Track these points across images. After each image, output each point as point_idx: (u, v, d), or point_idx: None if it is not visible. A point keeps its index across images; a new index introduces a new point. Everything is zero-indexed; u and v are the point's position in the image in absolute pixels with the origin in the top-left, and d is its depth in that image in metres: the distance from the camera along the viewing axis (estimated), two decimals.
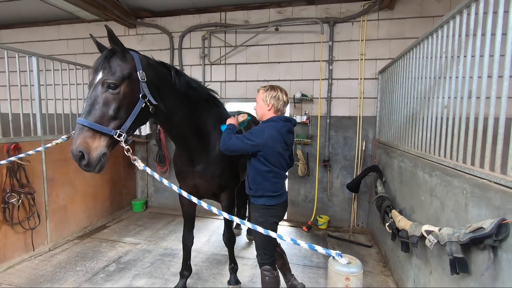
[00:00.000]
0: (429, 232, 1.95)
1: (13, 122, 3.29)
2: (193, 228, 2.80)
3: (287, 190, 2.57)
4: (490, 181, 1.47)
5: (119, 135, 1.60)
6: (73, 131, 1.66)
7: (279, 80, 4.74)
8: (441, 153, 2.10)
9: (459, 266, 1.60)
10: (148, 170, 1.55)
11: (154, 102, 1.77)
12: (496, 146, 1.48)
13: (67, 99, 3.97)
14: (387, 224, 2.89)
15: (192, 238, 2.77)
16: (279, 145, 2.09)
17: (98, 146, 1.55)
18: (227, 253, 3.62)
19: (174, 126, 2.16)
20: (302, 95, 4.51)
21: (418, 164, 2.46)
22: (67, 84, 3.97)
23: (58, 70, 3.84)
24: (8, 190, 3.12)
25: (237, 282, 2.84)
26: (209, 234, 4.26)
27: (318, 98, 4.56)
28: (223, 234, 2.84)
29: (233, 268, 2.86)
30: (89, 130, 1.54)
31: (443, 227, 1.84)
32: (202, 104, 2.30)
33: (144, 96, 1.73)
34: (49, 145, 1.78)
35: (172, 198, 5.37)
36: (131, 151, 1.59)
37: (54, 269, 3.22)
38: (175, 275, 3.14)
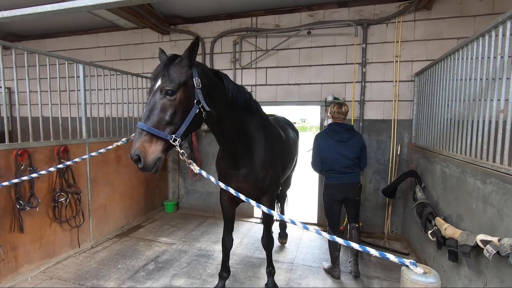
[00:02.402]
0: (486, 242, 1.87)
1: (57, 125, 3.48)
2: (233, 230, 2.85)
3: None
4: None
5: (174, 140, 1.66)
6: (133, 134, 1.74)
7: (310, 84, 4.72)
8: (496, 159, 2.01)
9: None
10: (204, 173, 1.60)
11: (207, 108, 1.83)
12: None
13: (108, 103, 4.18)
14: (429, 231, 2.79)
15: (232, 240, 2.82)
16: None
17: (155, 150, 1.62)
18: (260, 255, 3.68)
19: (222, 130, 2.21)
20: (334, 98, 4.46)
21: (467, 170, 2.36)
22: (108, 89, 4.18)
23: (101, 76, 4.05)
24: (57, 190, 3.33)
25: (275, 285, 2.85)
26: (240, 237, 4.30)
27: (350, 101, 4.49)
28: (262, 237, 2.87)
29: (271, 272, 2.87)
30: (147, 134, 1.62)
31: (503, 237, 1.76)
32: (246, 109, 2.35)
33: (198, 102, 1.79)
34: (110, 147, 1.88)
35: (201, 200, 5.49)
36: (186, 155, 1.65)
37: (98, 266, 3.38)
38: (212, 276, 3.20)
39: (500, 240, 1.74)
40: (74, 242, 3.62)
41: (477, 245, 1.98)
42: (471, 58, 2.45)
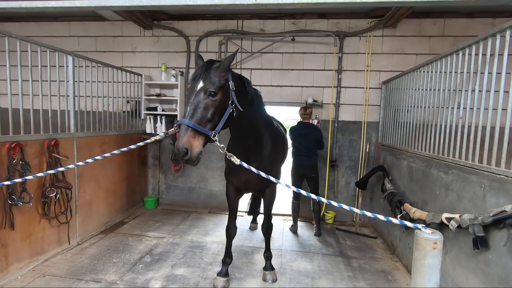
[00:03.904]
0: (449, 219, 2.41)
1: (44, 118, 3.31)
2: (236, 219, 3.09)
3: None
4: (508, 176, 1.93)
5: (214, 135, 1.88)
6: (170, 129, 1.96)
7: (291, 86, 5.12)
8: (455, 155, 2.57)
9: (480, 243, 2.06)
10: (245, 165, 1.83)
11: (241, 108, 2.06)
12: None
13: (95, 96, 4.07)
14: (399, 216, 3.37)
15: (236, 228, 3.06)
16: None
17: (198, 144, 1.84)
18: (250, 244, 3.98)
19: (241, 128, 2.44)
20: (314, 100, 4.93)
21: (432, 164, 2.93)
22: (95, 82, 4.08)
23: (89, 67, 3.94)
24: (48, 185, 3.21)
25: (272, 268, 3.16)
26: None
27: (327, 103, 5.00)
28: (262, 225, 3.16)
29: (268, 256, 3.17)
30: (192, 130, 1.82)
31: (462, 214, 2.30)
32: (258, 110, 2.61)
33: (232, 103, 2.02)
34: (148, 140, 2.01)
35: (183, 196, 5.56)
36: (225, 148, 1.87)
37: (91, 261, 3.35)
38: (210, 264, 3.40)
39: (461, 216, 2.28)
40: (62, 239, 3.51)
41: (442, 222, 2.52)
42: (436, 72, 3.04)
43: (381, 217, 1.55)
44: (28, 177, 1.99)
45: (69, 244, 3.55)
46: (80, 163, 2.06)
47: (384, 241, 4.26)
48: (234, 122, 2.38)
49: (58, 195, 3.32)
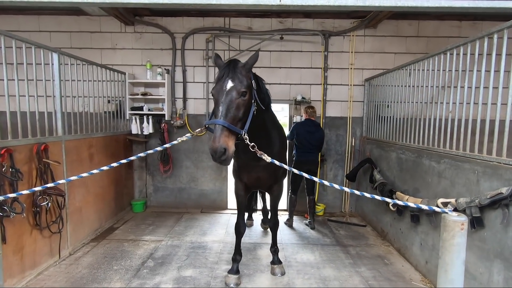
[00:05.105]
0: (445, 203, 2.67)
1: (31, 120, 3.07)
2: (245, 216, 3.12)
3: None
4: (500, 163, 2.19)
5: (244, 134, 1.90)
6: (197, 130, 1.94)
7: (280, 84, 5.22)
8: (446, 146, 2.85)
9: (477, 222, 2.32)
10: (277, 162, 1.86)
11: (262, 107, 2.10)
12: (503, 139, 2.21)
13: (81, 96, 3.83)
14: (390, 204, 3.63)
15: (245, 226, 3.09)
16: None
17: (232, 144, 1.86)
18: (250, 241, 4.05)
19: (254, 126, 2.46)
20: (302, 97, 5.07)
21: (423, 154, 3.21)
22: (80, 81, 3.83)
23: (74, 65, 3.68)
24: (39, 193, 2.98)
25: (280, 261, 3.24)
26: (224, 227, 4.52)
27: (315, 100, 5.18)
28: (270, 220, 3.22)
29: (275, 250, 3.25)
30: (227, 130, 1.82)
31: (457, 198, 2.56)
32: (267, 108, 2.66)
33: (255, 101, 2.05)
34: (174, 142, 1.95)
35: (173, 197, 5.44)
36: (256, 146, 1.90)
37: (90, 271, 3.17)
38: (216, 263, 3.40)
39: (457, 200, 2.55)
40: (54, 250, 3.27)
41: (437, 207, 2.78)
42: (423, 70, 3.31)
43: (411, 204, 1.69)
44: (23, 192, 1.80)
45: (60, 255, 3.32)
46: (73, 178, 1.88)
47: (373, 228, 4.55)
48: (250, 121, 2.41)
49: (49, 204, 3.10)
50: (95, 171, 1.94)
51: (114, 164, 1.99)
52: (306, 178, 4.45)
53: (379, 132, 4.56)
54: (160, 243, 3.90)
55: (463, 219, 1.56)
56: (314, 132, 4.43)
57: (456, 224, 1.56)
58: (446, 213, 1.60)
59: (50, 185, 1.95)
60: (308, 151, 4.45)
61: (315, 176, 4.60)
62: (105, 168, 1.94)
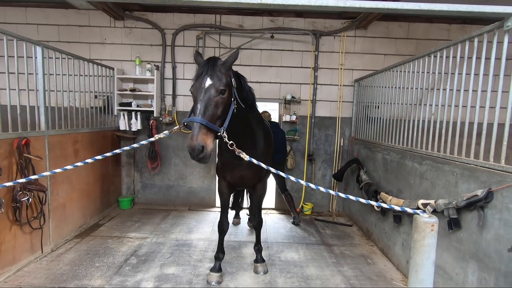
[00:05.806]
0: (425, 204, 2.70)
1: (12, 114, 3.02)
2: (228, 214, 3.11)
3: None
4: (477, 165, 2.22)
5: (223, 132, 1.89)
6: (175, 127, 1.91)
7: (270, 82, 5.22)
8: (428, 148, 2.88)
9: (454, 224, 2.36)
10: (255, 161, 1.86)
11: (242, 105, 2.09)
12: (480, 142, 2.24)
13: (66, 91, 3.77)
14: (375, 204, 3.66)
15: (228, 224, 3.09)
16: None
17: (211, 142, 1.85)
18: (236, 239, 4.05)
19: (236, 125, 2.44)
20: (292, 97, 5.08)
21: (406, 155, 3.24)
22: (65, 75, 3.77)
23: (59, 58, 3.63)
24: (19, 189, 2.94)
25: (263, 260, 3.25)
26: (211, 225, 4.52)
27: (305, 100, 5.19)
28: (252, 219, 3.24)
29: (259, 249, 3.25)
30: (205, 128, 1.81)
31: (437, 199, 2.59)
32: (251, 107, 2.65)
33: (234, 100, 2.04)
34: (151, 139, 1.94)
35: (161, 194, 5.41)
36: (234, 145, 1.90)
37: (71, 267, 3.14)
38: (200, 261, 3.40)
39: (436, 201, 2.58)
40: (35, 246, 3.23)
41: (418, 208, 2.81)
42: (411, 72, 3.33)
43: (384, 205, 1.71)
44: (1, 185, 1.80)
45: (42, 251, 3.28)
46: (58, 170, 1.90)
47: (359, 228, 4.59)
48: (230, 120, 2.40)
49: (30, 199, 3.05)
50: (79, 163, 1.92)
51: (99, 157, 1.96)
52: (277, 176, 4.55)
53: (367, 133, 4.59)
54: (145, 240, 3.88)
55: (434, 220, 1.58)
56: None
57: (426, 225, 1.58)
58: (418, 214, 1.62)
59: (34, 177, 1.93)
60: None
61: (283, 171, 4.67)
62: (89, 160, 1.92)
